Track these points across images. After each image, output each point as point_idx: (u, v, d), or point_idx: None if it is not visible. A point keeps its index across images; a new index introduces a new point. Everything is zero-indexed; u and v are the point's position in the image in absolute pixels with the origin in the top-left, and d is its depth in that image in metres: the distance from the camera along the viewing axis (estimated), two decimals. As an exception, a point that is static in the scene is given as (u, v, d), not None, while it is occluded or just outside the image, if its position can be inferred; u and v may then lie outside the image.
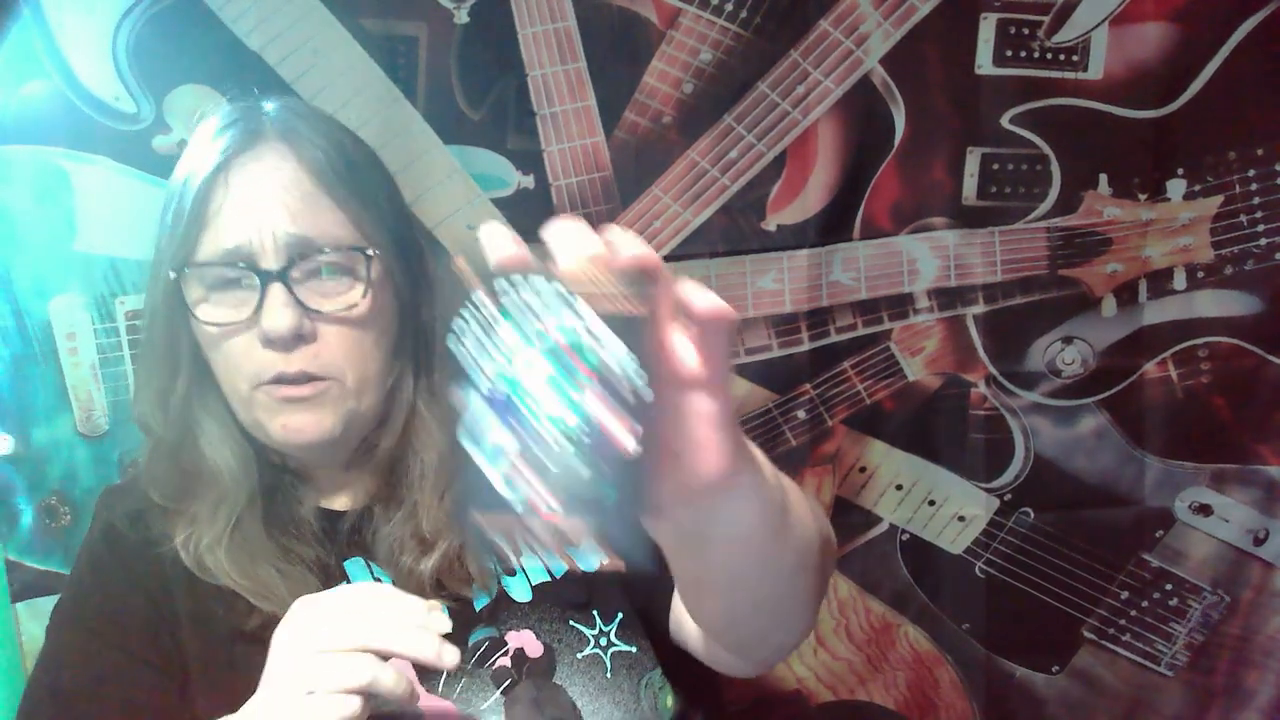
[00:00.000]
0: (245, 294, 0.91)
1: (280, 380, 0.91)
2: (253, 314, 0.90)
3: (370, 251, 0.92)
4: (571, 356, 0.49)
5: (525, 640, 0.94)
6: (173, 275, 0.91)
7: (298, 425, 0.92)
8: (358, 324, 0.92)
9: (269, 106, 0.96)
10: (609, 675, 0.94)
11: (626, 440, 0.50)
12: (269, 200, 0.90)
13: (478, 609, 0.95)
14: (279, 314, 0.89)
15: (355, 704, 0.73)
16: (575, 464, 0.50)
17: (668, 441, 0.58)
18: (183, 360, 0.95)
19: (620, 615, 0.97)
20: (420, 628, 0.75)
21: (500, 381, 0.50)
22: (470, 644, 0.93)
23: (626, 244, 0.53)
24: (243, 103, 0.98)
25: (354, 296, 0.92)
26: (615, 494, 0.50)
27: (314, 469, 1.00)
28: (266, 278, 0.89)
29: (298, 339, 0.90)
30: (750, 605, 0.79)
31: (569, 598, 0.96)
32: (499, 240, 0.53)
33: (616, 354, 0.49)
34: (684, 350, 0.55)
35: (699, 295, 0.54)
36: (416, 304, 0.98)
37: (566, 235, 0.53)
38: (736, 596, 0.77)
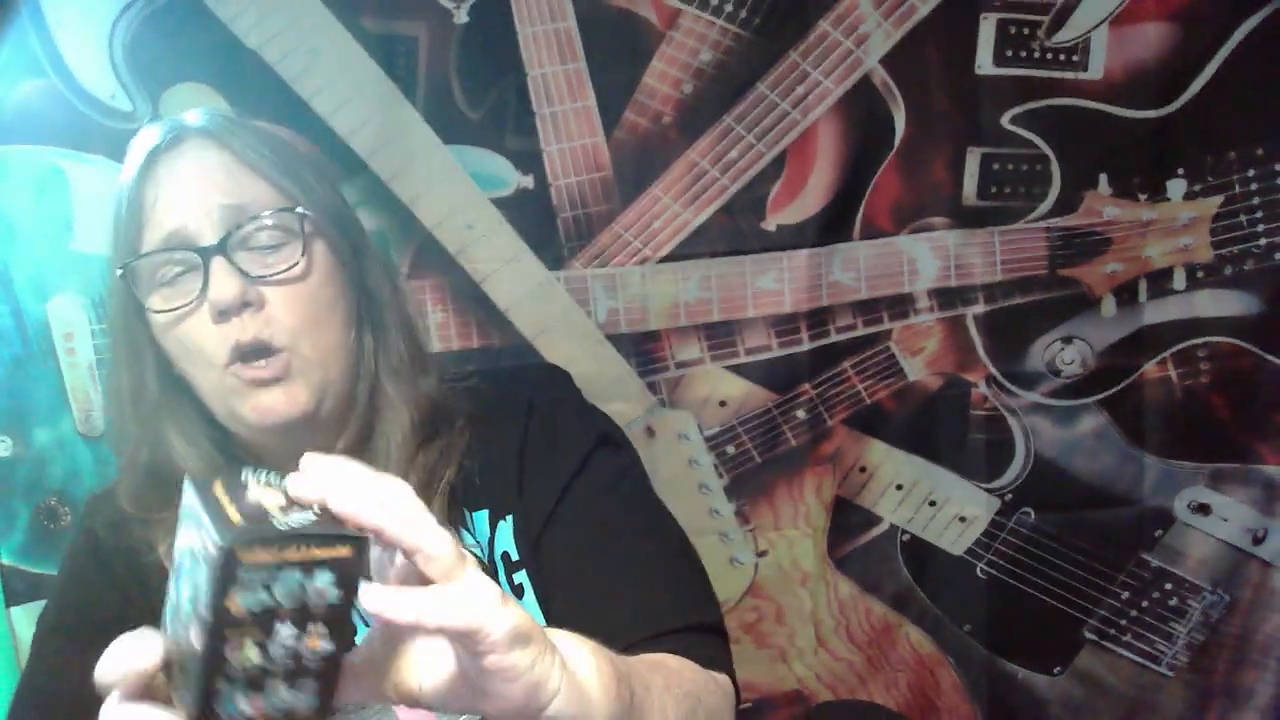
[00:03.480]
0: (190, 276, 0.91)
1: (239, 355, 0.90)
2: (200, 292, 0.90)
3: (300, 210, 0.93)
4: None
5: None
6: (119, 273, 0.92)
7: (269, 404, 0.90)
8: (304, 287, 0.92)
9: (191, 116, 0.97)
10: None
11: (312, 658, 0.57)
12: (198, 182, 0.91)
13: None
14: (223, 283, 0.89)
15: None
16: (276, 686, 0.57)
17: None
18: (147, 363, 0.95)
19: None
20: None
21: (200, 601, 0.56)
22: None
23: (361, 496, 0.60)
24: (169, 119, 0.99)
25: (293, 255, 0.92)
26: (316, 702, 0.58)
27: (286, 462, 0.99)
28: (207, 254, 0.90)
29: (244, 306, 0.90)
30: None
31: None
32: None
33: (316, 578, 0.56)
34: (390, 604, 0.58)
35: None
36: (360, 270, 0.98)
37: (311, 471, 0.60)
38: None
